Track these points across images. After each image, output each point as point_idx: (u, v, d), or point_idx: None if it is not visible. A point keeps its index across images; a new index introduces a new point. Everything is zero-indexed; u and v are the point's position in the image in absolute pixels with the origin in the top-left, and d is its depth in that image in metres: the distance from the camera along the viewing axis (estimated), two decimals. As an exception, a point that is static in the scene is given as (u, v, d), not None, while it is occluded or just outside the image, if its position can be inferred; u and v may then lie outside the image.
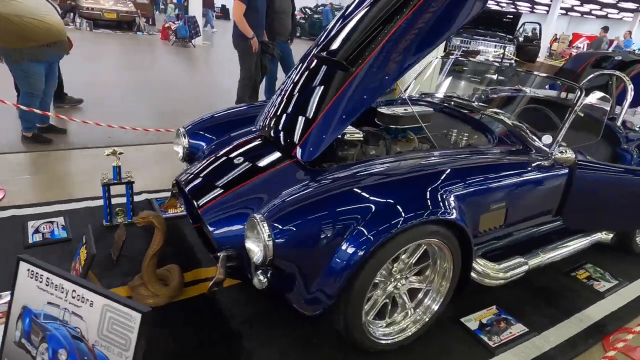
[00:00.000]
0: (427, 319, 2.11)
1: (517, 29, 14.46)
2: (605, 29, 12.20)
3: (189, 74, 9.38)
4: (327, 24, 19.39)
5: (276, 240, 1.65)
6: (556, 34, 19.08)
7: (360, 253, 1.67)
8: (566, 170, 2.47)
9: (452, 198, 1.97)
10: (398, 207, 1.79)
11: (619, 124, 3.19)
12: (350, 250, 1.69)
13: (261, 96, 6.04)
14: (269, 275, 1.78)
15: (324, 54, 2.33)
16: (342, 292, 1.74)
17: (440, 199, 1.92)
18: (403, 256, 1.98)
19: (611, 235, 2.91)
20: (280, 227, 1.67)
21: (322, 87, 2.26)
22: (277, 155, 2.24)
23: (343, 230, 1.71)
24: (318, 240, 1.70)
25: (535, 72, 3.31)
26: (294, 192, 1.83)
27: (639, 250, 3.23)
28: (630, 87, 3.16)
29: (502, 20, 13.07)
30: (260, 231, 1.66)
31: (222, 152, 2.38)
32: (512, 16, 13.05)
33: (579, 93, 2.56)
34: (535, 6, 30.36)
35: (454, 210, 1.93)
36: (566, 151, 2.38)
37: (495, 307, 2.46)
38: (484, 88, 3.39)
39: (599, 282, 2.84)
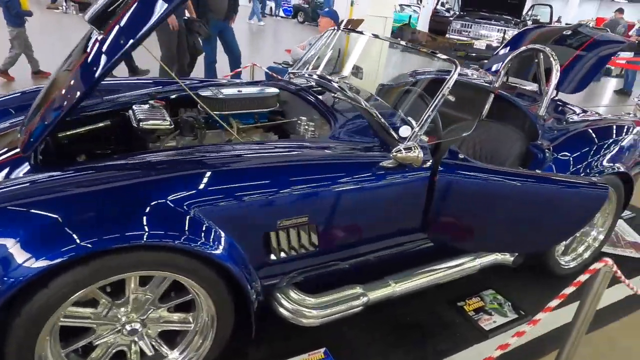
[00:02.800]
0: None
1: (526, 12, 13.40)
2: (621, 11, 11.02)
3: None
4: (327, 6, 18.46)
5: None
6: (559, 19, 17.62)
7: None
8: (426, 174, 1.86)
9: (202, 212, 1.42)
10: (86, 224, 1.25)
11: (541, 112, 2.50)
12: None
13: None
14: None
15: (84, 16, 1.78)
16: None
17: (179, 214, 1.37)
18: (139, 293, 1.44)
19: (511, 256, 2.27)
20: None
21: (74, 57, 1.71)
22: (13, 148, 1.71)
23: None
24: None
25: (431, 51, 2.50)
26: None
27: (563, 272, 2.58)
28: (556, 67, 2.47)
29: (507, 2, 12.05)
30: None
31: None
32: (517, -3, 12.00)
33: (453, 69, 1.93)
34: (561, -10, 28.62)
35: (200, 231, 1.38)
36: (413, 149, 1.76)
37: (324, 351, 1.88)
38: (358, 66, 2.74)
39: (490, 317, 2.21)
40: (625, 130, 2.67)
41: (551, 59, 2.50)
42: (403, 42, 2.52)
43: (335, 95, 2.15)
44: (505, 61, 2.77)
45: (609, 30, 3.44)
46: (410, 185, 1.83)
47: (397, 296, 1.93)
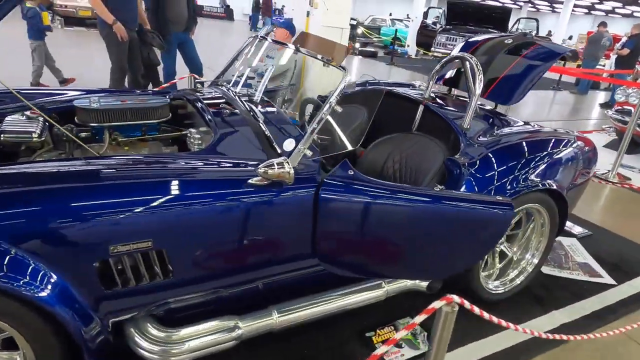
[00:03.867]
0: None
1: (513, 25, 13.35)
2: (604, 25, 10.91)
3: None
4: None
5: None
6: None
7: None
8: (307, 192, 1.67)
9: (19, 239, 1.24)
10: None
11: (465, 124, 2.31)
12: None
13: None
14: None
15: None
16: None
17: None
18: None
19: (424, 281, 2.07)
20: None
21: None
22: None
23: None
24: None
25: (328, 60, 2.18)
26: None
27: (491, 297, 2.37)
28: (480, 76, 2.29)
29: (492, 15, 12.01)
30: None
31: None
32: (500, 11, 11.95)
33: (342, 77, 1.76)
34: (555, 5, 28.79)
35: (18, 266, 1.20)
36: (284, 164, 1.58)
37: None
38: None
39: (399, 349, 2.00)
40: (563, 144, 2.49)
41: (475, 68, 2.33)
42: (320, 56, 2.31)
43: (225, 106, 1.98)
44: (433, 71, 2.60)
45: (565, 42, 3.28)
46: (288, 204, 1.64)
47: (280, 328, 1.73)
